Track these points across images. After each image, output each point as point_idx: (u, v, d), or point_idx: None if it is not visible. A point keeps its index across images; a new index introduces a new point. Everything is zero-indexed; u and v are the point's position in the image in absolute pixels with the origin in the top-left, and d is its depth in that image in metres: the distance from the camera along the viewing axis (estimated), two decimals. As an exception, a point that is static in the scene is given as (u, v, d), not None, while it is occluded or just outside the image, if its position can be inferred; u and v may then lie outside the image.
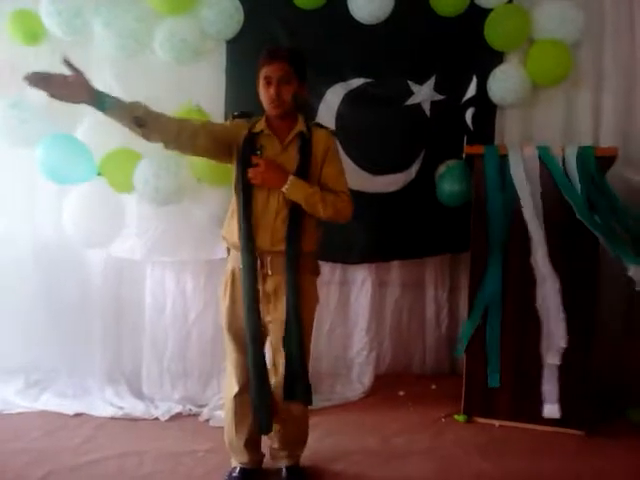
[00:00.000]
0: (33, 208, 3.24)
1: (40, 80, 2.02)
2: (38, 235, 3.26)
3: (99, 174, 2.98)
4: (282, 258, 2.27)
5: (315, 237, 2.40)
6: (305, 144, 2.31)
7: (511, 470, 2.63)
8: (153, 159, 2.92)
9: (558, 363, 2.87)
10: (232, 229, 2.33)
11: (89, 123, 3.01)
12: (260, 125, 2.34)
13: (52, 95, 2.07)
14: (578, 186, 2.80)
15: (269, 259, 2.28)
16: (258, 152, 2.28)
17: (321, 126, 2.45)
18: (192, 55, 3.09)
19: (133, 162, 2.96)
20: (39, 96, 2.98)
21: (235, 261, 2.34)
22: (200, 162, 2.90)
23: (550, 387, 2.92)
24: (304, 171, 2.29)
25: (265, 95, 2.28)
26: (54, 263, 3.29)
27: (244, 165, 2.28)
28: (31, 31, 3.06)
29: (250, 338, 2.28)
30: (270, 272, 2.29)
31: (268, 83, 2.26)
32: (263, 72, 2.28)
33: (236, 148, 2.34)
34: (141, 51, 3.07)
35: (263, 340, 2.35)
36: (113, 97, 2.15)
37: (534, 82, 3.28)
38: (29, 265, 3.29)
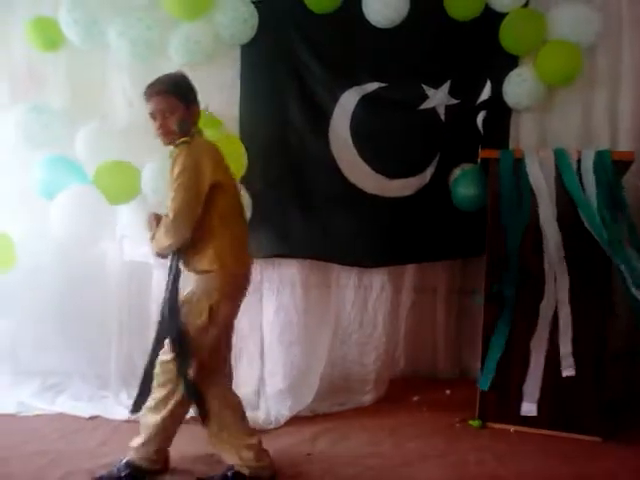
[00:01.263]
0: (45, 216, 3.25)
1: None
2: (54, 241, 3.28)
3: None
4: None
5: (207, 256, 2.34)
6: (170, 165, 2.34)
7: (526, 476, 2.60)
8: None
9: (573, 374, 2.86)
10: None
11: (92, 130, 3.07)
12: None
13: None
14: (594, 191, 2.79)
15: None
16: None
17: (183, 142, 2.34)
18: (207, 59, 3.13)
19: (128, 174, 3.03)
20: (55, 103, 3.11)
21: None
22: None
23: (531, 387, 2.92)
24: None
25: (154, 130, 2.34)
26: (69, 268, 3.33)
27: None
28: (50, 38, 3.12)
29: None
30: None
31: (153, 118, 2.33)
32: (147, 108, 2.34)
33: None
34: (155, 57, 3.11)
35: None
36: None
37: (545, 82, 3.25)
38: (45, 271, 3.32)
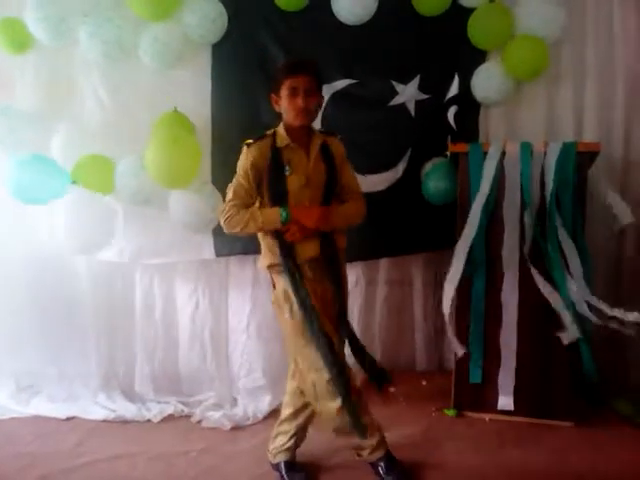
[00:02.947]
0: (24, 214, 3.24)
1: None
2: (29, 240, 3.27)
3: (73, 182, 3.00)
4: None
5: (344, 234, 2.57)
6: (327, 153, 2.39)
7: (503, 463, 2.65)
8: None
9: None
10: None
11: (65, 131, 3.06)
12: (282, 138, 2.36)
13: None
14: (550, 184, 2.84)
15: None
16: (286, 170, 2.33)
17: (327, 133, 2.51)
18: (176, 60, 3.12)
19: (105, 166, 3.02)
20: (26, 103, 3.08)
21: None
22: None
23: (506, 380, 2.98)
24: (333, 181, 2.40)
25: (290, 106, 2.31)
26: (45, 267, 3.32)
27: (275, 183, 2.34)
28: (18, 40, 3.08)
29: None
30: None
31: (294, 94, 2.29)
32: (288, 83, 2.30)
33: (260, 172, 2.37)
34: (126, 57, 3.10)
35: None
36: None
37: (512, 77, 3.29)
38: (20, 270, 3.31)
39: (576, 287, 2.80)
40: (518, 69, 3.27)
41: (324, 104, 3.23)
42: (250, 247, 3.23)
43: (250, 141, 2.40)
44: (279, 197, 2.33)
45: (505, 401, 2.99)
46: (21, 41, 3.08)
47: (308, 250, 2.36)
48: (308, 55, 3.18)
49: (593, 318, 2.74)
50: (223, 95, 3.23)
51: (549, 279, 2.87)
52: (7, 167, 2.98)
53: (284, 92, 2.31)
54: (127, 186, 3.00)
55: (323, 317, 2.33)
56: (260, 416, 3.08)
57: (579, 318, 2.80)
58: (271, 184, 2.33)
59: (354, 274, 3.50)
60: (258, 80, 3.25)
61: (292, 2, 3.19)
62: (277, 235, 2.34)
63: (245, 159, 2.37)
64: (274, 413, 3.10)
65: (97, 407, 3.14)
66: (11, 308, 3.34)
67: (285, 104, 2.33)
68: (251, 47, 3.24)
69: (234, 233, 2.37)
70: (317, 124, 3.21)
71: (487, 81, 3.31)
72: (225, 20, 3.14)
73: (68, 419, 3.06)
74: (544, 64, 3.28)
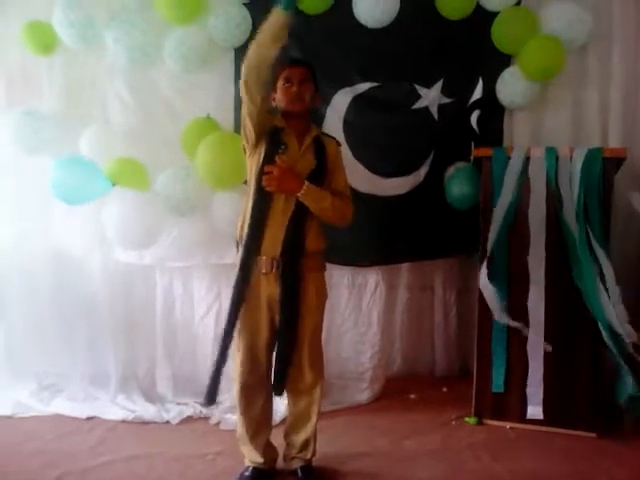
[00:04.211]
0: (47, 214, 3.28)
1: None
2: (51, 241, 3.31)
3: (114, 184, 3.01)
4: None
5: (323, 236, 2.46)
6: (320, 148, 2.41)
7: (523, 472, 2.61)
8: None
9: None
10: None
11: (94, 132, 3.08)
12: (280, 122, 2.41)
13: None
14: (577, 190, 2.80)
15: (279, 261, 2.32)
16: (282, 148, 2.35)
17: (328, 135, 2.58)
18: (200, 63, 3.14)
19: (137, 168, 3.05)
20: (50, 106, 3.13)
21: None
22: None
23: (534, 389, 2.93)
24: (320, 175, 2.38)
25: (286, 94, 2.37)
26: (66, 269, 3.35)
27: (266, 159, 2.34)
28: (44, 42, 3.13)
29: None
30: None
31: (289, 83, 2.36)
32: (284, 75, 2.38)
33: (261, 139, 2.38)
34: (151, 62, 3.13)
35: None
36: None
37: (528, 78, 3.24)
38: (42, 270, 3.34)
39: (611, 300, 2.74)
40: (532, 70, 3.22)
41: (345, 107, 3.27)
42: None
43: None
44: (266, 163, 2.32)
45: (534, 410, 2.94)
46: (47, 43, 3.13)
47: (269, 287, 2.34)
48: (331, 58, 3.21)
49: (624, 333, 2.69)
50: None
51: (575, 288, 2.83)
52: (49, 168, 3.01)
53: (280, 83, 2.38)
54: (171, 196, 3.02)
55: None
56: (277, 419, 3.06)
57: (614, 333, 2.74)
58: (265, 155, 2.35)
59: (373, 279, 3.48)
60: (279, 83, 3.26)
61: (314, 5, 3.18)
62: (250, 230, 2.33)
63: None
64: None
65: (116, 407, 3.15)
66: (34, 308, 3.37)
67: (280, 94, 2.39)
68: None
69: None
70: (338, 127, 3.24)
71: (512, 85, 3.28)
72: (249, 24, 3.15)
73: (88, 419, 3.08)
74: (559, 65, 3.23)
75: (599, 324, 2.75)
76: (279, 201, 2.33)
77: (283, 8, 2.22)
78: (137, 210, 3.01)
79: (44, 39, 3.13)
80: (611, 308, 2.73)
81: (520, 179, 2.90)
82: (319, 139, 2.43)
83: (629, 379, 2.70)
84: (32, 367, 3.40)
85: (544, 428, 2.95)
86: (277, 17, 2.23)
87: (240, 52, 3.20)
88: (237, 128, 3.22)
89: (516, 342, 2.95)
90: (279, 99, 2.39)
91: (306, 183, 2.30)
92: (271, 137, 2.36)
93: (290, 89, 2.36)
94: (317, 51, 3.24)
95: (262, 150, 2.35)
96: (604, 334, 2.73)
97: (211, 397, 2.35)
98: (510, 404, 2.99)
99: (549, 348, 2.88)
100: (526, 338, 2.92)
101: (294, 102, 2.36)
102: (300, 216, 2.33)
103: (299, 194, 2.29)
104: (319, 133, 2.48)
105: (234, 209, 2.92)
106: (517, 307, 2.91)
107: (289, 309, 2.32)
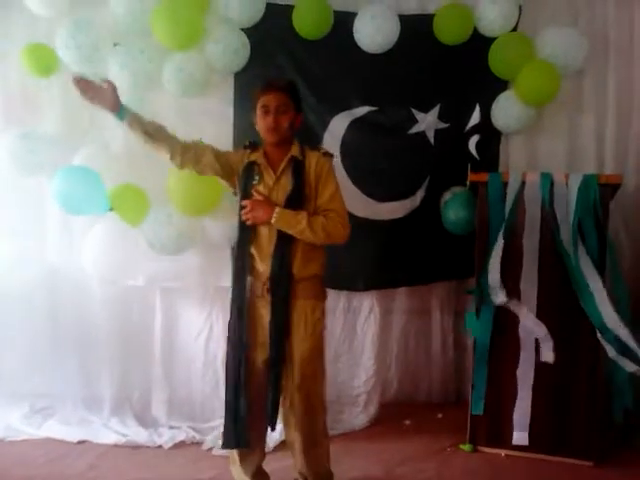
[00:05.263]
0: (41, 235, 3.28)
1: (81, 82, 2.41)
2: (45, 262, 3.30)
3: (111, 209, 3.02)
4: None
5: (317, 261, 2.42)
6: (298, 168, 2.36)
7: (517, 502, 2.59)
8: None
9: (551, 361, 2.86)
10: None
11: (91, 155, 3.08)
12: (256, 155, 2.41)
13: (89, 98, 2.42)
14: (571, 216, 2.80)
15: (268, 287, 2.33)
16: (255, 180, 2.37)
17: (317, 149, 2.48)
18: (199, 89, 3.15)
19: (138, 196, 3.05)
20: (48, 127, 3.13)
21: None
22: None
23: (520, 415, 2.92)
24: (298, 195, 2.34)
25: (262, 123, 2.36)
26: (61, 290, 3.33)
27: (243, 193, 2.37)
28: (45, 64, 3.14)
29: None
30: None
31: (266, 112, 2.34)
32: (261, 101, 2.36)
33: (237, 175, 2.43)
34: (153, 87, 3.14)
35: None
36: (133, 112, 2.44)
37: (525, 103, 3.26)
38: (37, 291, 3.32)
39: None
40: (528, 94, 3.24)
41: (343, 131, 3.28)
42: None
43: (247, 143, 2.49)
44: (244, 198, 2.36)
45: (520, 436, 2.92)
46: (47, 65, 3.15)
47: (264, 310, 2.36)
48: (329, 82, 3.23)
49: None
50: (245, 122, 3.23)
51: (570, 311, 2.83)
52: (54, 178, 3.01)
53: (258, 110, 2.37)
54: (157, 242, 3.04)
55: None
56: (271, 445, 3.03)
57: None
58: (240, 188, 2.41)
59: (368, 302, 3.47)
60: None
61: (313, 31, 3.22)
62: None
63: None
64: (284, 443, 3.06)
65: (109, 431, 3.12)
66: (27, 331, 3.35)
67: (258, 121, 2.38)
68: (272, 75, 3.25)
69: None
70: (336, 151, 3.24)
71: (507, 110, 3.30)
72: (248, 50, 3.18)
73: (79, 442, 3.04)
74: (554, 89, 3.25)
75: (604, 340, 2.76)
76: (264, 230, 2.34)
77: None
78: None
79: (44, 61, 3.14)
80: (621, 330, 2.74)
81: (514, 204, 2.90)
82: (297, 158, 2.37)
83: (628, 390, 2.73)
84: (25, 390, 3.37)
85: (540, 456, 2.92)
86: None
87: (239, 77, 3.25)
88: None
89: (512, 368, 2.93)
90: (258, 126, 2.40)
91: (277, 210, 2.29)
92: (245, 171, 2.39)
93: (266, 119, 2.34)
94: (316, 75, 3.27)
95: (240, 185, 2.40)
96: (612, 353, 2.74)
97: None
98: (505, 431, 2.96)
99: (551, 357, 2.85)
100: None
101: (270, 132, 2.35)
102: (284, 243, 2.32)
103: (272, 221, 2.29)
104: (299, 151, 2.39)
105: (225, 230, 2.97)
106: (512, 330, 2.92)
107: (276, 335, 2.31)
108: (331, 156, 2.46)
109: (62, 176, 2.99)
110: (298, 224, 2.29)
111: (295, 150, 2.40)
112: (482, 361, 2.95)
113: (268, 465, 2.56)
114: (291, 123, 2.38)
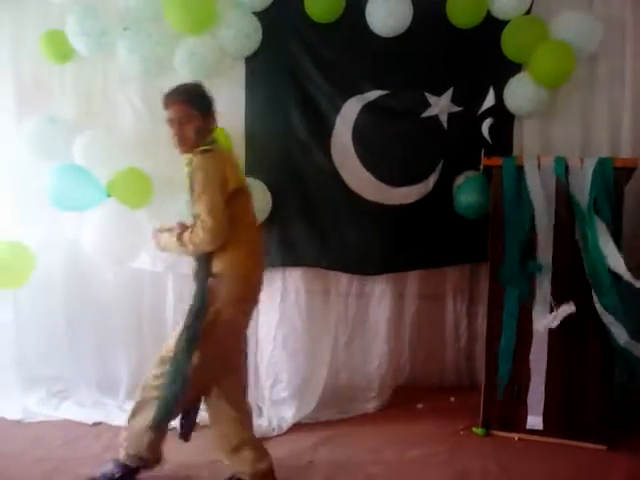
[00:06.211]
0: (56, 221, 3.29)
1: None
2: (61, 248, 3.33)
3: (109, 195, 3.04)
4: None
5: (222, 260, 2.37)
6: (190, 172, 2.35)
7: (529, 485, 2.59)
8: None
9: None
10: None
11: (100, 141, 3.10)
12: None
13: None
14: (587, 197, 2.79)
15: None
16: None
17: (202, 151, 2.39)
18: (212, 73, 3.14)
19: (141, 181, 3.07)
20: (63, 113, 3.15)
21: None
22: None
23: (535, 400, 2.92)
24: (191, 199, 2.35)
25: (170, 135, 2.39)
26: (77, 275, 3.36)
27: None
28: (62, 51, 3.16)
29: None
30: None
31: (171, 125, 2.39)
32: (165, 115, 2.39)
33: None
34: (163, 72, 3.14)
35: None
36: None
37: (539, 84, 3.22)
38: (52, 277, 3.35)
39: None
40: (542, 74, 3.20)
41: (355, 115, 3.27)
42: (279, 258, 3.25)
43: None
44: None
45: (534, 421, 2.93)
46: (64, 52, 3.17)
47: None
48: (342, 66, 3.22)
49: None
50: (256, 108, 3.26)
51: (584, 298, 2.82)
52: (47, 175, 3.03)
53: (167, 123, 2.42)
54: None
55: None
56: (285, 427, 3.06)
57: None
58: None
59: (380, 286, 3.47)
60: (290, 92, 3.28)
61: (325, 14, 3.19)
62: None
63: None
64: (298, 425, 3.10)
65: (124, 413, 3.14)
66: (44, 315, 3.39)
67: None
68: (284, 59, 3.26)
69: None
70: (348, 136, 3.24)
71: (519, 91, 3.27)
72: (259, 34, 3.17)
73: (95, 424, 3.09)
74: (569, 69, 3.21)
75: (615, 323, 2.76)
76: None
77: None
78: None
79: (62, 48, 3.15)
80: None
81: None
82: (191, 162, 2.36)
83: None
84: (42, 373, 3.41)
85: (552, 439, 2.93)
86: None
87: (251, 61, 3.24)
88: (248, 136, 3.27)
89: (526, 353, 2.93)
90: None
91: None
92: None
93: (171, 132, 2.38)
94: (328, 59, 3.25)
95: None
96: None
97: None
98: (518, 415, 2.97)
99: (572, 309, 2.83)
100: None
101: (178, 145, 2.39)
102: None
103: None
104: (199, 155, 2.35)
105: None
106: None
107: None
108: (207, 151, 2.37)
109: (52, 177, 3.02)
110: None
111: (194, 156, 2.36)
112: (507, 348, 2.95)
113: (281, 447, 2.57)
114: (197, 129, 2.37)
